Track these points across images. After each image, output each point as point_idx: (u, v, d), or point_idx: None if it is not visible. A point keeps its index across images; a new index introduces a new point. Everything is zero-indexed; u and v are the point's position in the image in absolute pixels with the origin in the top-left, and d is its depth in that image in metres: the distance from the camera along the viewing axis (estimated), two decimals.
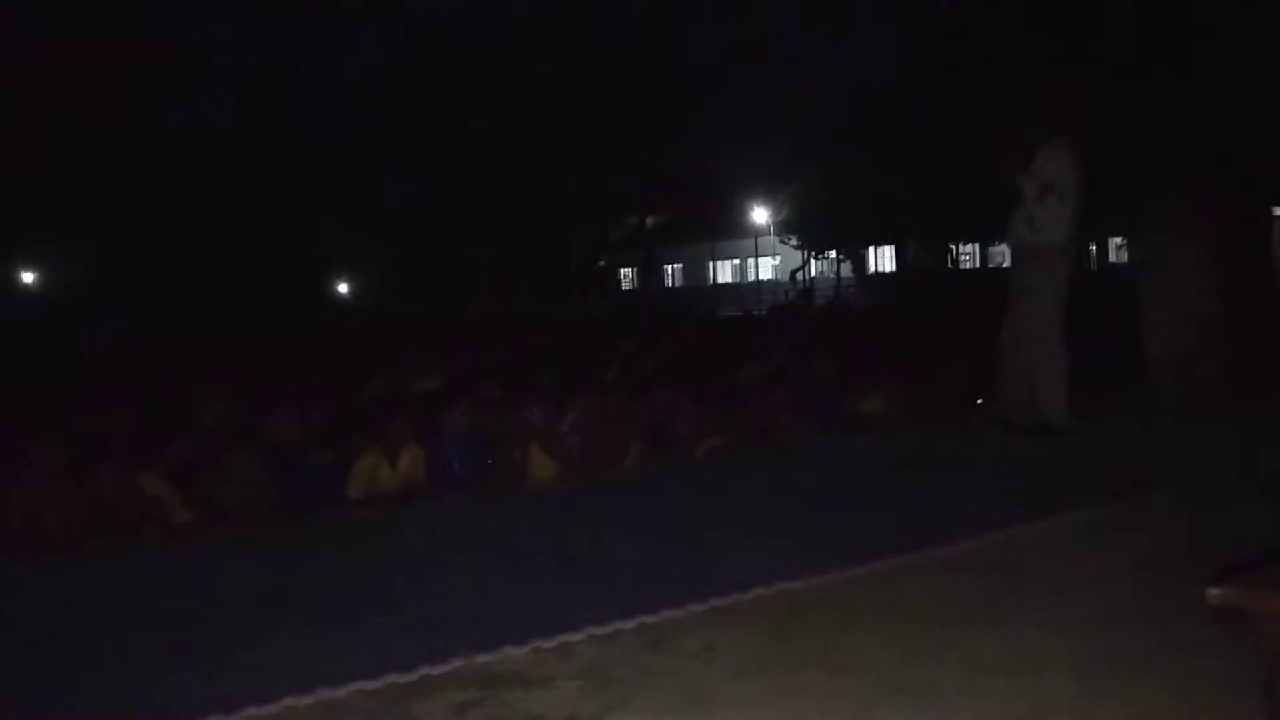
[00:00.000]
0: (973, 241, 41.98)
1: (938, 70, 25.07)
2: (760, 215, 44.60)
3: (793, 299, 27.47)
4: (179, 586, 4.24)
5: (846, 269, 44.32)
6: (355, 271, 36.78)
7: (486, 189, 28.62)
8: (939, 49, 24.58)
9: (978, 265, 43.02)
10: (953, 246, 40.21)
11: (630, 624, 3.39)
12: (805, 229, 41.89)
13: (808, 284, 37.38)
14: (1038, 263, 6.42)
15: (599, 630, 3.35)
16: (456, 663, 3.14)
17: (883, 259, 47.09)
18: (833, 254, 44.54)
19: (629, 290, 48.48)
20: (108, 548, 4.92)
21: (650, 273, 47.45)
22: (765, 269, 49.39)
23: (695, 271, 52.96)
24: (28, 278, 37.20)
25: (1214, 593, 2.81)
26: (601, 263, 40.32)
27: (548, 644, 3.26)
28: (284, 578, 4.25)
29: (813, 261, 45.13)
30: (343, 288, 39.01)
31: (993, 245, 41.69)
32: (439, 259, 31.79)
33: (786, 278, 43.08)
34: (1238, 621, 2.60)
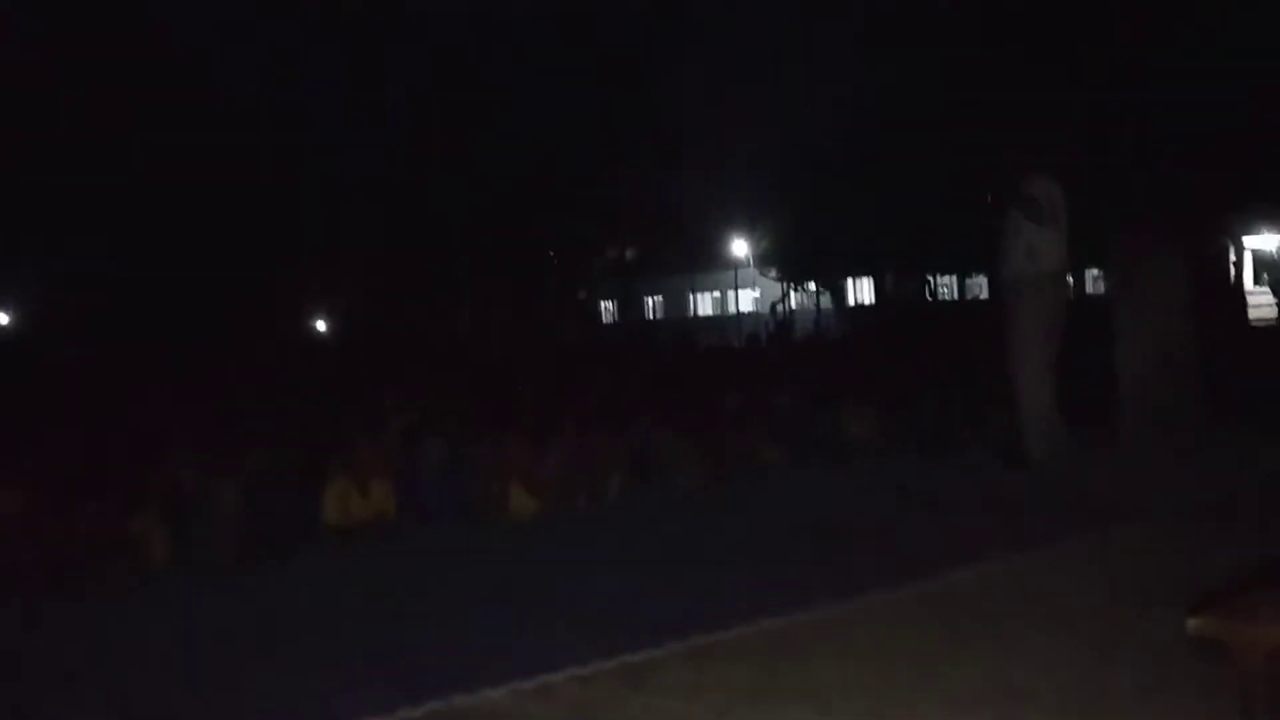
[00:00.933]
0: (950, 273, 42.33)
1: (919, 102, 25.36)
2: (740, 247, 44.86)
3: (771, 331, 27.57)
4: (153, 628, 4.19)
5: (826, 300, 44.54)
6: (333, 299, 36.49)
7: (467, 214, 28.50)
8: (922, 81, 24.88)
9: (956, 296, 43.34)
10: (930, 278, 40.52)
11: (612, 663, 3.36)
12: (784, 261, 42.14)
13: (786, 316, 37.50)
14: (1033, 293, 6.38)
15: (580, 669, 3.31)
16: (435, 704, 3.10)
17: (862, 291, 47.38)
18: (812, 286, 44.80)
19: (610, 323, 48.57)
20: (83, 586, 4.83)
21: (630, 305, 47.49)
22: (745, 301, 49.60)
23: (675, 303, 53.12)
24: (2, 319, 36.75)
25: (1193, 623, 2.82)
26: (582, 295, 40.36)
27: (527, 684, 3.22)
28: (260, 618, 4.20)
29: (792, 293, 45.35)
30: (320, 325, 38.78)
31: (970, 276, 42.06)
32: (419, 289, 31.64)
33: (767, 309, 43.25)
34: (1217, 651, 2.61)
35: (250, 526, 5.37)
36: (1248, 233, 27.65)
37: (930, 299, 40.48)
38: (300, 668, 3.51)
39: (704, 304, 53.60)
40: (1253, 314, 18.10)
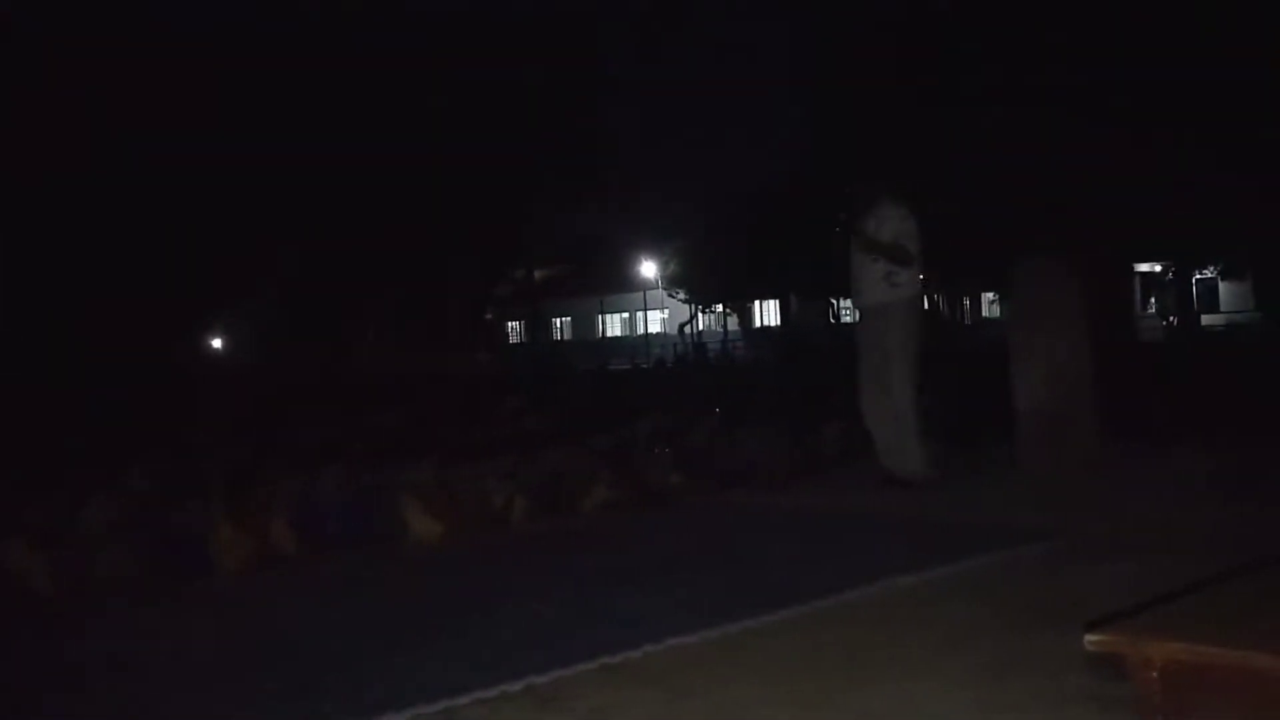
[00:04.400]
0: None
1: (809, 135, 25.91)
2: (649, 269, 45.15)
3: (681, 353, 27.70)
4: (37, 663, 3.99)
5: (733, 322, 45.04)
6: (234, 321, 35.39)
7: (373, 235, 27.92)
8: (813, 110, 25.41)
9: (858, 318, 44.15)
10: (834, 301, 41.32)
11: (518, 685, 3.31)
12: (692, 284, 42.58)
13: (696, 338, 37.78)
14: (897, 318, 6.65)
15: (485, 693, 3.25)
16: None
17: (768, 313, 48.06)
18: (719, 308, 45.31)
19: (517, 344, 48.35)
20: None
21: (538, 327, 47.31)
22: (654, 322, 49.90)
23: (584, 325, 53.17)
24: None
25: (1091, 639, 2.87)
26: (489, 316, 40.07)
27: (430, 709, 3.15)
28: (154, 647, 4.06)
29: (700, 315, 45.79)
30: (217, 342, 37.72)
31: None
32: (319, 311, 30.87)
33: (675, 330, 43.58)
34: (1115, 667, 2.66)
35: (138, 558, 5.14)
36: (1138, 258, 28.82)
37: (833, 321, 41.27)
38: (194, 696, 3.40)
39: (613, 325, 53.74)
40: (1142, 336, 18.84)
